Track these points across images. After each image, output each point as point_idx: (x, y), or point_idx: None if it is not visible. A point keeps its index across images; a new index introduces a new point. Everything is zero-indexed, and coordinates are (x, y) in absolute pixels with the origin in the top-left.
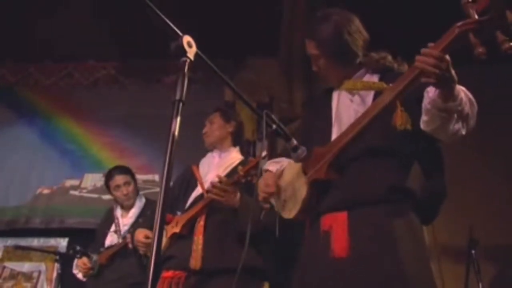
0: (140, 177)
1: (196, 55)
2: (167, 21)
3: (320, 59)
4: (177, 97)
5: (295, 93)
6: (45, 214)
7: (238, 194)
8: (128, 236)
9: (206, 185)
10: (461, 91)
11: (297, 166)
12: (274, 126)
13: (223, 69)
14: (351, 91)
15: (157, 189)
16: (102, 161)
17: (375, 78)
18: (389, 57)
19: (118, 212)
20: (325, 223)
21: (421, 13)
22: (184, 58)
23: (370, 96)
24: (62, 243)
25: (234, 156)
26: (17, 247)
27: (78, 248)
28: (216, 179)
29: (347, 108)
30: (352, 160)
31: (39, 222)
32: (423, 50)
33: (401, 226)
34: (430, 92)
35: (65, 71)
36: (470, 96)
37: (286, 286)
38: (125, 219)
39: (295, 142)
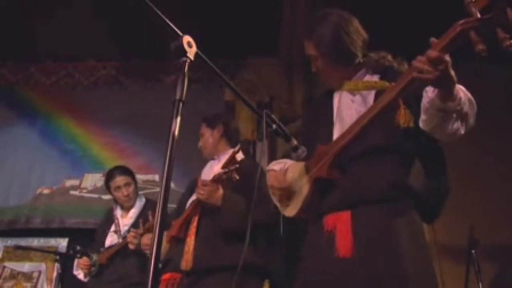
0: (140, 177)
1: (196, 55)
2: (167, 21)
3: (319, 59)
4: (177, 97)
5: (295, 93)
6: (45, 214)
7: (220, 192)
8: (129, 236)
9: None
10: (460, 90)
11: (300, 165)
12: (274, 126)
13: (223, 69)
14: (352, 91)
15: (157, 189)
16: (102, 161)
17: (375, 79)
18: (389, 57)
19: (118, 212)
20: (328, 222)
21: (420, 13)
22: (184, 58)
23: (371, 95)
24: (62, 243)
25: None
26: (17, 247)
27: (78, 248)
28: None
29: (348, 108)
30: (354, 159)
31: (39, 222)
32: (418, 58)
33: (404, 225)
34: (429, 92)
35: (65, 71)
36: (469, 95)
37: (286, 285)
38: (125, 219)
39: (295, 142)
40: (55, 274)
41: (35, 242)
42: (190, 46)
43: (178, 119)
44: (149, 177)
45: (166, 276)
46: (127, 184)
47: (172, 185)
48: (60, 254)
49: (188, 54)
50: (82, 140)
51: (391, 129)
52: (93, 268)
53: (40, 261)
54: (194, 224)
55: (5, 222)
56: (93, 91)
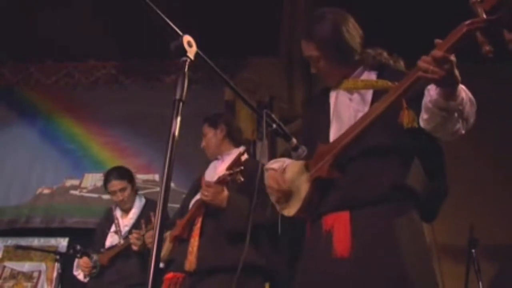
0: (140, 177)
1: (196, 54)
2: (167, 20)
3: (320, 60)
4: (177, 96)
5: (295, 93)
6: (46, 214)
7: (225, 193)
8: (132, 237)
9: None
10: (462, 90)
11: (299, 164)
12: (274, 126)
13: (223, 68)
14: (350, 90)
15: (157, 189)
16: (102, 161)
17: (373, 75)
18: (385, 54)
19: (118, 212)
20: (327, 223)
21: (420, 13)
22: (184, 58)
23: (369, 94)
24: (62, 243)
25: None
26: (18, 247)
27: (78, 247)
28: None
29: (346, 107)
30: (354, 159)
31: (40, 221)
32: (423, 58)
33: (403, 226)
34: (431, 90)
35: (65, 71)
36: (470, 95)
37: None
38: (126, 220)
39: (295, 141)
40: (55, 274)
41: (35, 241)
42: (190, 45)
43: (178, 118)
44: (149, 177)
45: (169, 275)
46: (122, 189)
47: (172, 185)
48: (60, 253)
49: (188, 54)
50: (82, 140)
51: (391, 129)
52: (94, 270)
53: (40, 261)
54: (198, 225)
55: (5, 222)
56: (93, 91)
